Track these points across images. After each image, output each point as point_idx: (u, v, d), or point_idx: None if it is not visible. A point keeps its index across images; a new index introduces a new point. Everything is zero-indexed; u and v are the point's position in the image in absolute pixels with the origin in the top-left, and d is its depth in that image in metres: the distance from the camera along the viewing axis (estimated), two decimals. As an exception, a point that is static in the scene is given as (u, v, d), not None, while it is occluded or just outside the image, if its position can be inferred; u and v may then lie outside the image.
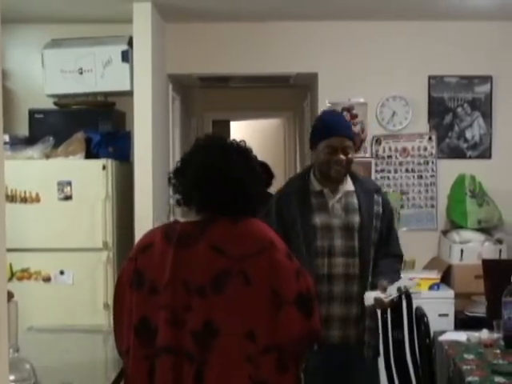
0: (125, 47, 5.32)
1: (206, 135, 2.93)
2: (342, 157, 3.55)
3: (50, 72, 5.39)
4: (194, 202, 2.68)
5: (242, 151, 2.74)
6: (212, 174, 2.63)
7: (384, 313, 3.74)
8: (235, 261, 2.55)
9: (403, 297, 3.96)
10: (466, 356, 3.54)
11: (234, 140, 2.81)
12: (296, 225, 3.58)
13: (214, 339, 2.53)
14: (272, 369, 2.55)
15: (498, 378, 3.17)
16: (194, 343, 2.54)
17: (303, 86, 6.89)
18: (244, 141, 2.82)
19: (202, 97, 7.99)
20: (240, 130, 9.73)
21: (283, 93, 7.96)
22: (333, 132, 3.59)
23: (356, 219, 3.63)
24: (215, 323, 2.53)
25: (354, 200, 3.68)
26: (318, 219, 3.61)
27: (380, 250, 3.68)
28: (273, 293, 2.54)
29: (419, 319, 3.42)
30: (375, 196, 3.72)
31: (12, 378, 1.96)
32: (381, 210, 3.70)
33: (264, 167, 5.86)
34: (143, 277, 2.63)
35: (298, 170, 8.48)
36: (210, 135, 2.97)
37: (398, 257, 3.93)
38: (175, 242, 2.62)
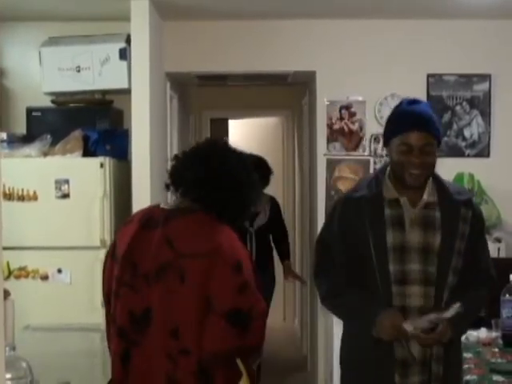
0: (122, 45, 5.30)
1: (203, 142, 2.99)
2: (420, 158, 2.85)
3: (47, 70, 5.38)
4: (182, 184, 2.75)
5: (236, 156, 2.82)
6: (209, 173, 2.71)
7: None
8: (178, 256, 2.58)
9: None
10: (464, 355, 3.51)
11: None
12: (367, 242, 2.91)
13: (148, 326, 2.59)
14: (190, 372, 2.55)
15: (496, 377, 3.19)
16: (130, 323, 2.62)
17: (301, 84, 6.88)
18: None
19: (200, 95, 7.99)
20: (238, 129, 9.74)
21: (281, 91, 7.97)
22: (409, 126, 2.88)
23: (436, 239, 2.92)
24: (152, 311, 2.59)
25: (436, 214, 2.96)
26: (392, 236, 2.92)
27: (464, 278, 2.95)
28: (204, 299, 2.54)
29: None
30: (462, 210, 2.97)
31: (8, 376, 1.95)
32: (468, 229, 2.96)
33: (261, 162, 5.85)
34: (115, 249, 2.76)
35: (297, 168, 8.51)
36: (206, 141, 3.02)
37: (485, 287, 3.09)
38: (143, 222, 2.72)
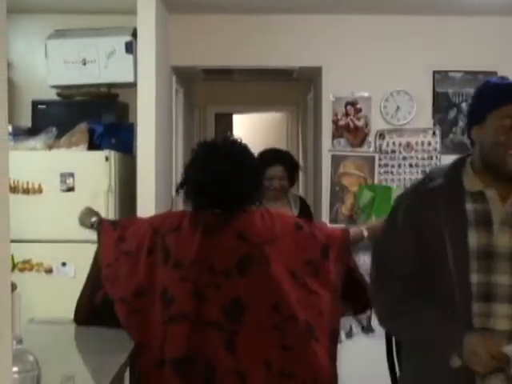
0: (128, 38, 5.29)
1: (205, 142, 3.32)
2: None
3: (53, 63, 5.36)
4: (198, 199, 3.15)
5: (240, 152, 3.19)
6: (214, 178, 3.08)
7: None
8: (256, 246, 2.99)
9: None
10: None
11: (232, 141, 3.24)
12: (442, 242, 2.37)
13: (242, 314, 2.95)
14: (299, 334, 2.94)
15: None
16: (224, 316, 2.95)
17: (306, 79, 6.87)
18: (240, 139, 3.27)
19: (205, 89, 7.98)
20: (242, 124, 9.73)
21: (286, 87, 7.95)
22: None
23: None
24: (242, 300, 2.95)
25: None
26: (475, 237, 2.36)
27: None
28: (291, 273, 3.00)
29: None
30: None
31: (15, 369, 1.95)
32: None
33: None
34: (170, 254, 3.07)
35: (301, 164, 8.49)
36: (209, 141, 3.32)
37: None
38: (202, 229, 3.05)
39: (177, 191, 3.27)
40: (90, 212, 3.89)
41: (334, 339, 3.11)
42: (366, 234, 3.43)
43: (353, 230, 3.49)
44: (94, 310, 3.44)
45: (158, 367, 3.06)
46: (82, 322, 3.51)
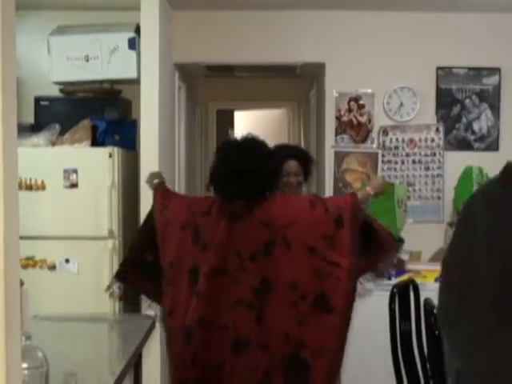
0: (131, 35, 5.27)
1: (228, 140, 3.96)
2: None
3: (56, 59, 5.35)
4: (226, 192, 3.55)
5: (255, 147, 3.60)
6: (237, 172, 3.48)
7: (392, 303, 3.74)
8: (277, 231, 3.38)
9: (411, 288, 3.96)
10: (473, 348, 3.49)
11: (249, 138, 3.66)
12: None
13: (268, 292, 3.38)
14: (310, 310, 3.37)
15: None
16: (253, 295, 3.38)
17: (309, 76, 6.86)
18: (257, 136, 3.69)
19: (206, 86, 7.98)
20: (244, 120, 9.72)
21: (288, 83, 7.95)
22: None
23: None
24: (269, 279, 3.38)
25: None
26: None
27: None
28: (310, 251, 3.39)
29: (429, 311, 3.40)
30: None
31: (25, 365, 1.95)
32: None
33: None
34: (199, 235, 3.48)
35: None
36: (231, 139, 3.97)
37: None
38: (227, 216, 3.44)
39: (207, 187, 3.67)
40: (157, 175, 4.37)
41: (349, 303, 3.52)
42: (372, 192, 3.93)
43: (360, 192, 3.93)
44: (141, 264, 3.86)
45: (181, 331, 3.53)
46: (126, 269, 3.95)
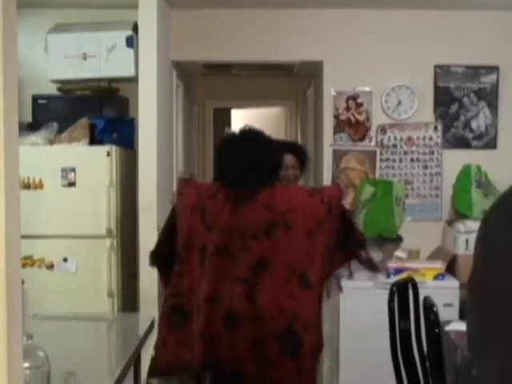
0: (129, 33, 5.27)
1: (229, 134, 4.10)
2: None
3: (53, 57, 5.35)
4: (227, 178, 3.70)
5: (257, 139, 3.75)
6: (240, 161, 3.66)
7: (391, 301, 3.74)
8: (279, 215, 3.56)
9: (409, 286, 3.96)
10: (473, 346, 3.50)
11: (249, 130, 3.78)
12: None
13: (264, 269, 3.54)
14: (300, 287, 3.56)
15: (506, 369, 3.14)
16: (249, 272, 3.54)
17: (306, 74, 6.85)
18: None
19: (204, 84, 7.97)
20: (241, 119, 9.72)
21: (285, 81, 7.95)
22: None
23: None
24: (265, 258, 3.54)
25: None
26: None
27: None
28: (309, 236, 3.57)
29: (428, 309, 3.39)
30: None
31: (26, 365, 1.94)
32: None
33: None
34: (205, 217, 3.65)
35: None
36: (232, 133, 4.01)
37: None
38: (232, 201, 3.62)
39: (215, 179, 3.81)
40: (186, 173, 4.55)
41: (321, 280, 3.72)
42: None
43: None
44: (162, 257, 3.96)
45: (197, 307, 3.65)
46: (153, 261, 4.03)
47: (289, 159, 4.69)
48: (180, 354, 3.68)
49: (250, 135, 3.80)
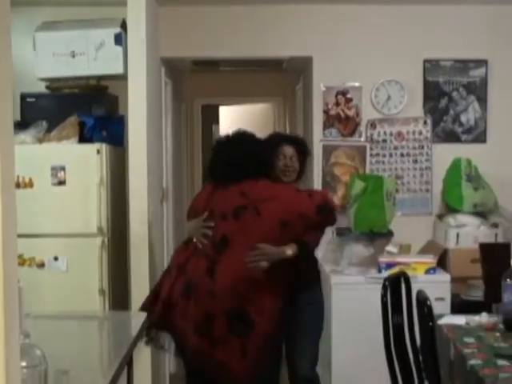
0: (118, 30, 5.24)
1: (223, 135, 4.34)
2: None
3: (41, 55, 5.31)
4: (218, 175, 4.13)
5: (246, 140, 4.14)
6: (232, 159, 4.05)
7: (384, 296, 3.74)
8: (252, 201, 3.87)
9: (402, 280, 3.96)
10: (466, 339, 3.54)
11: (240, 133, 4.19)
12: None
13: (225, 248, 3.87)
14: (259, 271, 3.82)
15: (501, 362, 3.16)
16: (212, 249, 3.89)
17: (295, 70, 6.84)
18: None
19: (191, 81, 7.94)
20: (229, 115, 9.70)
21: (273, 78, 7.94)
22: None
23: None
24: (229, 238, 3.87)
25: None
26: None
27: None
28: (280, 224, 3.86)
29: (422, 303, 3.40)
30: None
31: (23, 364, 1.93)
32: None
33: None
34: (192, 205, 4.32)
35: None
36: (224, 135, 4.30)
37: None
38: (214, 187, 4.08)
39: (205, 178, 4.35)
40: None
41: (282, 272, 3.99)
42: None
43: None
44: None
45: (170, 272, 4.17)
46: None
47: (287, 150, 4.46)
48: (152, 309, 4.06)
49: (239, 137, 4.14)
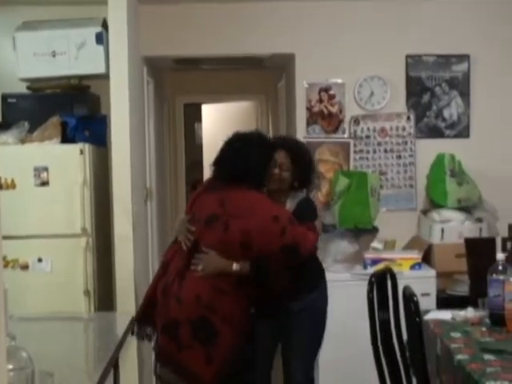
0: (99, 29, 5.21)
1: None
2: None
3: (22, 55, 5.26)
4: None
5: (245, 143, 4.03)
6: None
7: (370, 292, 3.74)
8: (226, 214, 3.83)
9: (388, 277, 3.96)
10: (452, 334, 3.55)
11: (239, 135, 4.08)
12: None
13: (196, 253, 3.89)
14: (225, 281, 3.83)
15: (487, 356, 3.17)
16: (188, 252, 3.92)
17: (277, 67, 6.82)
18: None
19: (173, 80, 7.91)
20: (211, 114, 9.69)
21: (254, 75, 7.91)
22: None
23: None
24: (199, 243, 3.90)
25: None
26: None
27: None
28: (245, 245, 3.81)
29: (408, 299, 3.39)
30: None
31: (10, 366, 1.90)
32: None
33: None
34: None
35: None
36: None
37: None
38: (206, 188, 4.11)
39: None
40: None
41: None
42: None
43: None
44: None
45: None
46: None
47: (278, 156, 4.13)
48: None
49: (243, 137, 4.05)
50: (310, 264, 4.12)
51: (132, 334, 4.14)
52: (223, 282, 3.84)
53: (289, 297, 4.11)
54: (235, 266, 3.84)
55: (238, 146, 4.00)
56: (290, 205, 4.21)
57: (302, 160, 4.25)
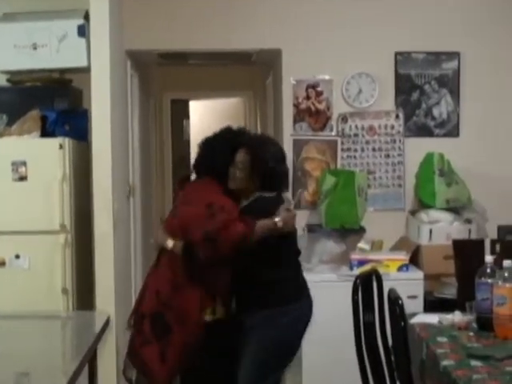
0: (81, 21, 5.12)
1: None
2: None
3: (2, 47, 5.18)
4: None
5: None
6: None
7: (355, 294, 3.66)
8: (178, 201, 4.19)
9: (373, 278, 3.88)
10: (439, 339, 3.47)
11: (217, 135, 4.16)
12: None
13: (163, 250, 3.97)
14: (183, 278, 3.84)
15: (474, 362, 3.08)
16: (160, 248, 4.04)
17: (264, 63, 6.75)
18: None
19: (160, 75, 7.86)
20: (199, 110, 9.64)
21: (243, 71, 7.84)
22: None
23: None
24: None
25: None
26: None
27: None
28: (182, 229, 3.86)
29: (393, 302, 3.31)
30: None
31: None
32: None
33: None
34: None
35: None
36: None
37: None
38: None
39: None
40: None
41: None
42: (280, 224, 3.81)
43: (265, 222, 3.81)
44: None
45: None
46: None
47: (238, 156, 3.99)
48: None
49: (211, 136, 4.16)
50: (267, 274, 3.88)
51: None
52: (180, 276, 3.86)
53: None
54: (169, 243, 3.88)
55: (204, 144, 4.17)
56: (246, 203, 4.01)
57: (262, 162, 3.95)
